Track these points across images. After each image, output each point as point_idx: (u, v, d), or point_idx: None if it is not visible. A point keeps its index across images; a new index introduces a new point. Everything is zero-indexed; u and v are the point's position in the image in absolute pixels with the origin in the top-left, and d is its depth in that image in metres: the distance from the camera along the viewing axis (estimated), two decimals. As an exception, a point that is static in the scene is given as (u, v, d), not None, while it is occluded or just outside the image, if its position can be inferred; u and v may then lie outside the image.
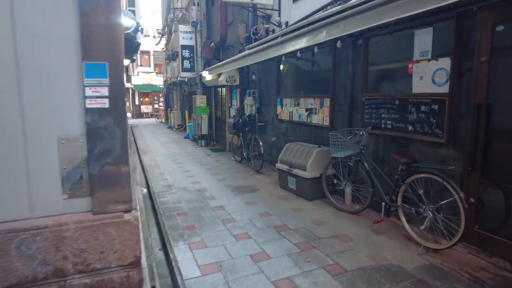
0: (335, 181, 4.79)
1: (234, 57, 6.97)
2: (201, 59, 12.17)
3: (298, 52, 5.74)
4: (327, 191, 4.84)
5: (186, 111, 13.77)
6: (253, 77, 7.88)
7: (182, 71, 12.45)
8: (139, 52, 29.70)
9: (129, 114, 30.54)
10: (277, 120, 7.13)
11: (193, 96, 12.32)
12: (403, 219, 3.72)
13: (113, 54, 2.41)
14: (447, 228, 3.30)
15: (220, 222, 4.20)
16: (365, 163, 4.23)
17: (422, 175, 3.46)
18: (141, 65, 30.15)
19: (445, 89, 3.51)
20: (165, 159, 8.90)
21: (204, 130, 11.21)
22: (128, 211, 2.59)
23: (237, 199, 5.15)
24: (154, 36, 25.04)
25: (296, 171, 5.17)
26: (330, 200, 4.80)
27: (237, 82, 8.95)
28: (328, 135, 5.16)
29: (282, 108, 6.85)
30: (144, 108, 32.48)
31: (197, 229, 4.00)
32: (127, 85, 27.29)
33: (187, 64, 12.47)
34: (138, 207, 2.64)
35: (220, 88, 10.93)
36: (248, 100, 8.03)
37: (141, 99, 32.58)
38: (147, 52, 30.43)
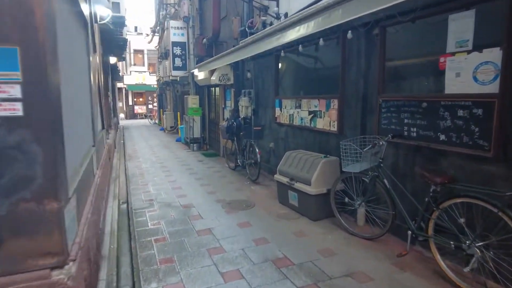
0: (346, 198, 4.00)
1: (226, 51, 6.16)
2: (194, 57, 11.34)
3: (300, 46, 4.96)
4: (336, 210, 4.05)
5: (179, 113, 12.99)
6: (248, 74, 7.07)
7: (173, 70, 11.63)
8: (132, 51, 28.87)
9: (122, 115, 29.63)
10: (275, 124, 6.34)
11: (185, 96, 11.50)
12: (437, 253, 2.93)
13: (29, 35, 1.58)
14: (502, 272, 2.52)
15: (206, 253, 3.39)
16: (385, 180, 3.45)
17: (464, 200, 2.68)
18: (134, 64, 29.24)
19: (493, 88, 2.72)
20: (152, 166, 8.07)
21: (197, 133, 10.40)
22: (59, 266, 1.77)
23: (228, 219, 4.34)
24: (147, 34, 24.15)
25: (298, 186, 4.38)
26: (339, 221, 4.01)
27: (231, 81, 8.15)
28: (336, 142, 4.38)
29: (281, 110, 6.06)
30: (138, 109, 31.57)
31: (176, 263, 3.19)
32: (120, 85, 26.39)
33: (178, 62, 11.65)
34: (77, 259, 1.83)
35: (213, 88, 10.13)
36: (243, 101, 7.24)
37: (135, 100, 31.66)
38: (141, 51, 29.53)
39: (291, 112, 5.68)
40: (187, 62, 11.71)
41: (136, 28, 29.81)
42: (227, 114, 8.73)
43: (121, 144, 12.55)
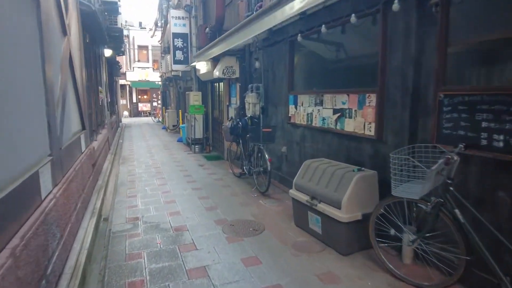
0: (391, 230, 2.94)
1: (228, 32, 5.11)
2: (196, 49, 10.32)
3: (323, 27, 3.89)
4: (376, 245, 2.99)
5: (180, 111, 11.99)
6: (257, 64, 5.97)
7: (174, 63, 10.64)
8: (136, 46, 28.03)
9: (126, 113, 28.88)
10: (288, 124, 5.29)
11: (186, 93, 10.51)
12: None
13: None
14: None
15: (197, 313, 2.37)
16: (456, 210, 2.38)
17: None
18: (138, 61, 28.39)
19: None
20: (147, 171, 7.09)
21: (199, 134, 9.39)
22: None
23: (230, 252, 3.32)
24: (150, 29, 23.24)
25: (322, 207, 3.33)
26: (379, 258, 2.96)
27: (237, 75, 7.11)
28: (373, 151, 3.33)
29: (296, 108, 5.01)
30: (143, 106, 30.78)
31: (152, 332, 2.18)
32: (122, 81, 25.57)
33: (179, 55, 10.65)
34: None
35: (217, 83, 9.10)
36: (250, 98, 6.20)
37: (139, 97, 30.85)
38: (145, 47, 28.64)
39: (309, 110, 4.63)
40: (189, 56, 10.71)
41: (140, 23, 28.96)
42: (232, 113, 7.71)
43: (119, 144, 11.63)
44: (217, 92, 9.26)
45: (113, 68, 14.22)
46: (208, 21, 9.41)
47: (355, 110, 3.72)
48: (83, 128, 5.00)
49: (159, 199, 5.08)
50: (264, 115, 6.16)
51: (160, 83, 24.43)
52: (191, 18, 10.43)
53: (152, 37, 22.55)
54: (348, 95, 3.82)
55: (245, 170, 5.91)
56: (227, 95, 7.99)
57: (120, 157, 8.89)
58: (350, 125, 3.81)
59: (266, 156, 4.96)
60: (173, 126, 15.46)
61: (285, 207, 4.54)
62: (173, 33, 10.49)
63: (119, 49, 12.02)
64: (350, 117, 3.80)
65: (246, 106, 6.35)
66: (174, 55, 10.56)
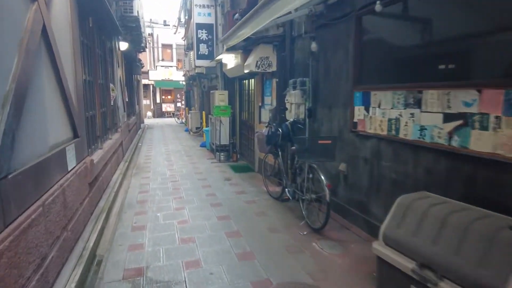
0: None
1: None
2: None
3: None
4: None
5: (204, 112, 10.71)
6: (313, 46, 4.29)
7: (198, 58, 9.38)
8: (160, 45, 27.31)
9: (150, 113, 28.28)
10: (352, 134, 3.79)
11: (211, 92, 9.22)
12: None
13: None
14: None
15: None
16: None
17: None
18: (162, 59, 27.67)
19: None
20: (162, 186, 5.81)
21: (224, 139, 8.04)
22: None
23: None
24: (174, 25, 22.31)
25: (454, 294, 1.82)
26: None
27: (273, 68, 5.68)
28: None
29: (367, 111, 3.50)
30: (167, 107, 30.08)
31: None
32: (146, 81, 24.87)
33: (203, 49, 9.37)
34: None
35: (246, 80, 7.72)
36: (293, 96, 4.75)
37: (163, 97, 30.18)
38: (170, 46, 27.87)
39: (392, 114, 3.11)
40: (215, 49, 9.41)
41: (164, 21, 28.22)
42: (265, 116, 6.29)
43: (138, 148, 10.53)
44: (246, 91, 7.87)
45: (133, 65, 13.23)
46: (237, 6, 8.04)
47: (496, 117, 2.18)
48: (75, 136, 3.75)
49: (173, 234, 3.73)
50: (311, 119, 4.69)
51: (183, 82, 23.48)
52: (217, 6, 9.13)
53: (175, 33, 21.59)
54: (479, 90, 2.28)
55: (287, 192, 4.45)
56: (259, 94, 6.58)
57: (134, 165, 7.71)
58: (483, 142, 2.27)
59: (323, 179, 3.49)
60: (196, 128, 14.28)
61: (354, 257, 3.05)
62: (196, 24, 9.23)
63: (138, 44, 10.92)
64: (484, 127, 2.26)
65: (288, 107, 4.91)
66: (198, 49, 9.30)
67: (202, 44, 9.30)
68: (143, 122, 20.27)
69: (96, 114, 5.26)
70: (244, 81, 8.01)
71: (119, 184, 5.81)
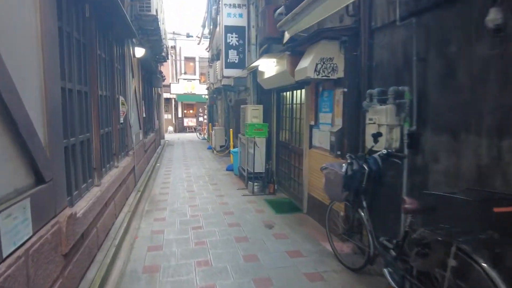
0: None
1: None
2: (256, 47, 7.52)
3: None
4: None
5: (231, 130, 9.14)
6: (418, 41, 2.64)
7: (226, 68, 7.91)
8: (182, 58, 26.47)
9: (171, 128, 27.30)
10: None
11: (242, 107, 7.69)
12: None
13: None
14: None
15: None
16: None
17: None
18: (185, 73, 26.78)
19: None
20: (180, 238, 4.19)
21: (259, 166, 6.39)
22: None
23: None
24: (198, 37, 21.32)
25: None
26: None
27: (339, 73, 4.03)
28: None
29: None
30: (188, 121, 29.03)
31: None
32: (167, 95, 23.90)
33: (233, 56, 7.90)
34: None
35: (289, 92, 6.10)
36: (382, 114, 3.08)
37: (185, 111, 29.20)
38: (192, 59, 27.02)
39: None
40: (246, 57, 7.92)
41: (187, 34, 27.49)
42: (321, 138, 4.61)
43: (155, 169, 9.09)
44: (289, 105, 6.24)
45: (153, 77, 12.00)
46: (275, 1, 6.51)
47: None
48: (39, 181, 2.21)
49: None
50: (413, 150, 2.96)
51: (206, 96, 22.28)
52: (250, 6, 7.67)
53: (199, 43, 20.53)
54: None
55: (387, 275, 2.66)
56: (311, 109, 4.92)
57: (148, 197, 6.17)
58: None
59: (497, 279, 1.73)
60: (221, 147, 12.77)
61: None
62: (225, 27, 7.79)
63: (158, 52, 9.64)
64: None
65: (370, 130, 3.21)
66: (226, 56, 7.83)
67: (232, 50, 7.83)
68: (163, 138, 19.07)
69: (91, 137, 3.76)
70: (285, 93, 6.39)
71: (124, 230, 4.24)
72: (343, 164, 3.18)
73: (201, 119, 28.17)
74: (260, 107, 6.92)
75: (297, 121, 5.71)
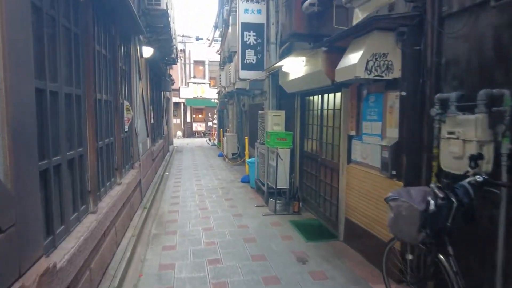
0: None
1: None
2: (276, 47, 6.75)
3: None
4: None
5: (246, 138, 8.31)
6: None
7: (242, 69, 7.14)
8: (192, 61, 25.89)
9: (179, 133, 26.70)
10: None
11: (260, 112, 6.90)
12: None
13: None
14: None
15: None
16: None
17: None
18: (194, 77, 26.19)
19: None
20: (195, 277, 3.39)
21: (283, 180, 5.56)
22: None
23: None
24: (208, 39, 20.68)
25: None
26: None
27: (395, 72, 3.21)
28: None
29: None
30: (197, 126, 28.41)
31: None
32: (176, 99, 23.28)
33: (250, 56, 7.13)
34: None
35: (318, 96, 5.29)
36: (470, 127, 2.25)
37: (194, 116, 28.59)
38: (202, 62, 26.44)
39: None
40: (265, 57, 7.15)
41: (197, 37, 26.94)
42: (368, 151, 3.78)
43: (164, 179, 8.36)
44: (317, 111, 5.42)
45: (162, 80, 11.32)
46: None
47: None
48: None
49: None
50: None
51: (216, 101, 21.59)
52: (269, 1, 6.90)
53: (209, 46, 19.89)
54: None
55: None
56: (352, 115, 4.09)
57: (155, 216, 5.40)
58: None
59: None
60: (233, 154, 12.00)
61: None
62: (242, 24, 7.04)
63: (167, 54, 8.94)
64: None
65: (450, 147, 2.38)
66: (243, 57, 7.07)
67: (249, 50, 7.07)
68: (172, 144, 18.40)
69: (86, 152, 3.00)
70: (312, 97, 5.59)
71: (126, 263, 3.47)
72: (415, 192, 2.34)
73: (210, 124, 27.52)
74: (282, 113, 6.12)
75: (329, 130, 4.89)
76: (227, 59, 12.90)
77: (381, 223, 3.44)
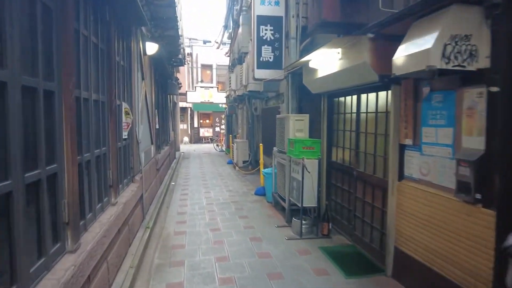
0: None
1: None
2: (297, 42, 5.94)
3: None
4: None
5: (261, 145, 7.44)
6: None
7: (258, 68, 6.32)
8: (199, 65, 25.26)
9: (186, 139, 26.02)
10: None
11: (278, 117, 6.06)
12: None
13: None
14: None
15: None
16: None
17: None
18: (201, 81, 25.55)
19: None
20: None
21: (310, 198, 4.68)
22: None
23: None
24: (216, 41, 20.00)
25: None
26: None
27: (479, 61, 2.36)
28: None
29: None
30: (205, 132, 27.69)
31: None
32: (183, 104, 22.62)
33: (267, 53, 6.33)
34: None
35: (352, 97, 4.44)
36: None
37: (201, 121, 27.90)
38: (209, 66, 25.82)
39: None
40: (284, 54, 6.34)
41: (204, 40, 26.35)
42: (432, 166, 2.91)
43: (169, 190, 7.57)
44: (350, 114, 4.57)
45: (168, 83, 10.59)
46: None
47: None
48: None
49: None
50: None
51: (224, 105, 20.86)
52: (289, -9, 6.11)
53: (218, 47, 19.22)
54: None
55: None
56: (407, 119, 3.23)
57: (159, 240, 4.58)
58: None
59: None
60: (244, 162, 11.17)
61: None
62: (257, 17, 6.25)
63: (173, 51, 8.19)
64: None
65: None
66: (259, 54, 6.27)
67: (266, 46, 6.26)
68: (178, 150, 17.66)
69: (61, 171, 2.19)
70: (342, 98, 4.74)
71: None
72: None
73: (217, 129, 26.78)
74: (306, 117, 5.29)
75: (369, 138, 4.03)
76: (236, 60, 12.16)
77: (456, 262, 2.57)
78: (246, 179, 9.23)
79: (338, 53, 3.86)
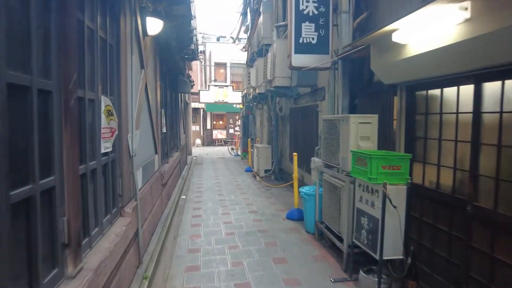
0: None
1: None
2: (349, 18, 4.34)
3: None
4: None
5: (295, 154, 5.80)
6: None
7: (296, 52, 4.68)
8: (212, 63, 23.81)
9: (198, 141, 24.64)
10: None
11: (325, 118, 4.43)
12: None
13: None
14: None
15: None
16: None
17: None
18: (215, 80, 24.11)
19: None
20: None
21: (395, 245, 3.02)
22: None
23: None
24: (231, 37, 18.50)
25: None
26: None
27: None
28: None
29: None
30: (218, 134, 26.25)
31: None
32: (195, 104, 21.22)
33: (308, 32, 4.70)
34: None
35: (458, 88, 2.78)
36: None
37: (214, 122, 26.46)
38: (223, 65, 24.35)
39: None
40: (330, 35, 4.71)
41: (218, 38, 24.92)
42: None
43: (179, 208, 6.09)
44: (453, 116, 2.91)
45: (179, 79, 9.10)
46: None
47: None
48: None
49: None
50: None
51: (240, 106, 19.29)
52: None
53: (234, 42, 17.72)
54: None
55: None
56: None
57: (165, 284, 3.02)
58: None
59: None
60: (266, 171, 9.56)
61: None
62: (297, -15, 4.62)
63: (184, 37, 6.62)
64: None
65: None
66: (298, 33, 4.65)
67: (307, 23, 4.64)
68: (190, 154, 16.21)
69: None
70: (434, 91, 3.09)
71: None
72: None
73: (231, 131, 25.28)
74: (374, 119, 3.63)
75: (505, 154, 2.36)
76: (256, 54, 10.59)
77: None
78: (271, 194, 7.62)
79: (466, 8, 2.22)
